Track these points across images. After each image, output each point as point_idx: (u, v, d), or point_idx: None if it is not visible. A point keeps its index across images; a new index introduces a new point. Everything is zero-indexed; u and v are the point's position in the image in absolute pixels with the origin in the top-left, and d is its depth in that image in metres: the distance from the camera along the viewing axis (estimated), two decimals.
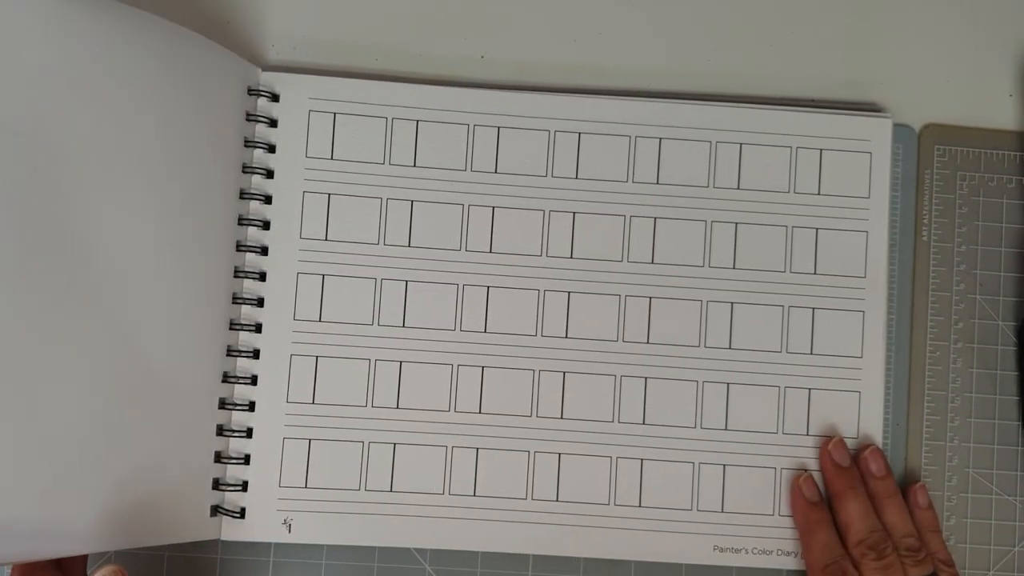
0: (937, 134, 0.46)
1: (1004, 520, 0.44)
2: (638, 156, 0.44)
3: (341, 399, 0.42)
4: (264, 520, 0.41)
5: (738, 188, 0.44)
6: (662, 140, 0.44)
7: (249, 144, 0.42)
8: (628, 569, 0.43)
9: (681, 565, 0.43)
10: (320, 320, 0.42)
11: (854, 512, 0.41)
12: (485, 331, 0.43)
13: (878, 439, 0.43)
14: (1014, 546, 0.44)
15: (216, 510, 0.41)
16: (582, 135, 0.44)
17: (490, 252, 0.43)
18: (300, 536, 0.42)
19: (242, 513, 0.41)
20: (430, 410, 0.43)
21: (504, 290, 0.43)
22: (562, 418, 0.43)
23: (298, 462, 0.42)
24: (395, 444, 0.42)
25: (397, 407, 0.42)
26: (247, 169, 0.42)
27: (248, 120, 0.43)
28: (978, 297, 0.45)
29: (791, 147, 0.44)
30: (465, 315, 0.43)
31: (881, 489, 0.42)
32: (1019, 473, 0.44)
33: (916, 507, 0.42)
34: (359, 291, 0.43)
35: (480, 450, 0.42)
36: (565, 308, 0.43)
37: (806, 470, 0.43)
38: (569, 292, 0.43)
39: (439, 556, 0.43)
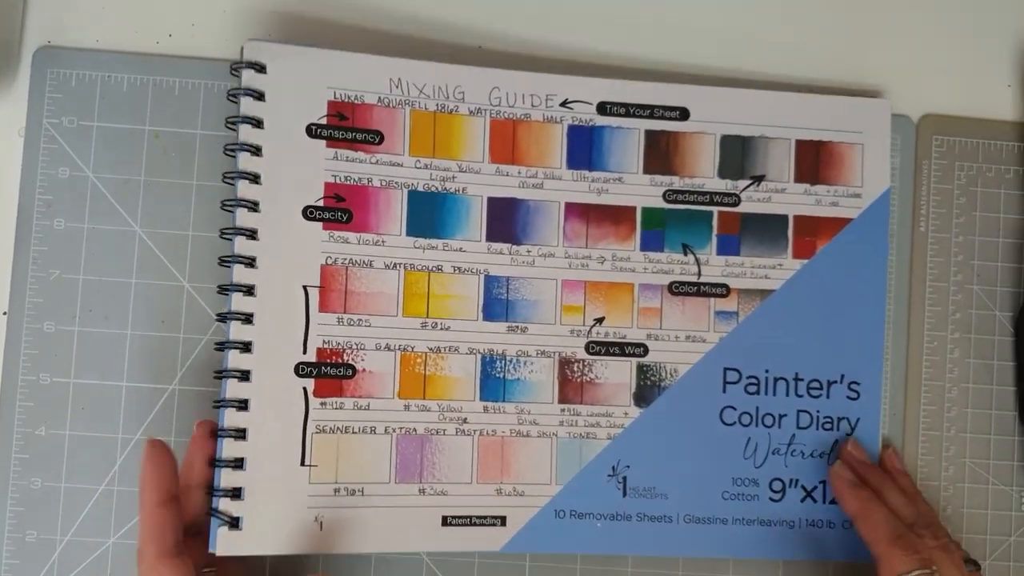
0: (935, 124, 0.46)
1: (1001, 510, 0.44)
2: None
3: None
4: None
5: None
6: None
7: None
8: (624, 563, 0.43)
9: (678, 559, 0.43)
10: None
11: (895, 501, 0.41)
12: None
13: (876, 430, 0.43)
14: (1010, 536, 0.44)
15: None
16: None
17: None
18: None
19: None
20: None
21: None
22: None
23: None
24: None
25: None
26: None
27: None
28: (975, 287, 0.45)
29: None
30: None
31: (906, 486, 0.42)
32: (1016, 463, 0.45)
33: (895, 472, 0.43)
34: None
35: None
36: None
37: (838, 458, 0.43)
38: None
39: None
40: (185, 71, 0.44)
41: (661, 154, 0.43)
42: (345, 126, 0.41)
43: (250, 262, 0.40)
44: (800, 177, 0.44)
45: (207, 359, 0.43)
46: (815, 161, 0.44)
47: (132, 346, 0.43)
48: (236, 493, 0.39)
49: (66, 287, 0.43)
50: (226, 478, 0.39)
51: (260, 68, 0.41)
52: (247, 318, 0.40)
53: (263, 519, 0.39)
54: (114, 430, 0.42)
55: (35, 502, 0.42)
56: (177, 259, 0.43)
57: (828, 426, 0.43)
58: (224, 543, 0.38)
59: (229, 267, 0.40)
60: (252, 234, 0.40)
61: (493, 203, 0.42)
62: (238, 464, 0.39)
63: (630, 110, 0.43)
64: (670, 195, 0.43)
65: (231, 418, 0.39)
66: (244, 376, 0.39)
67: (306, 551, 0.39)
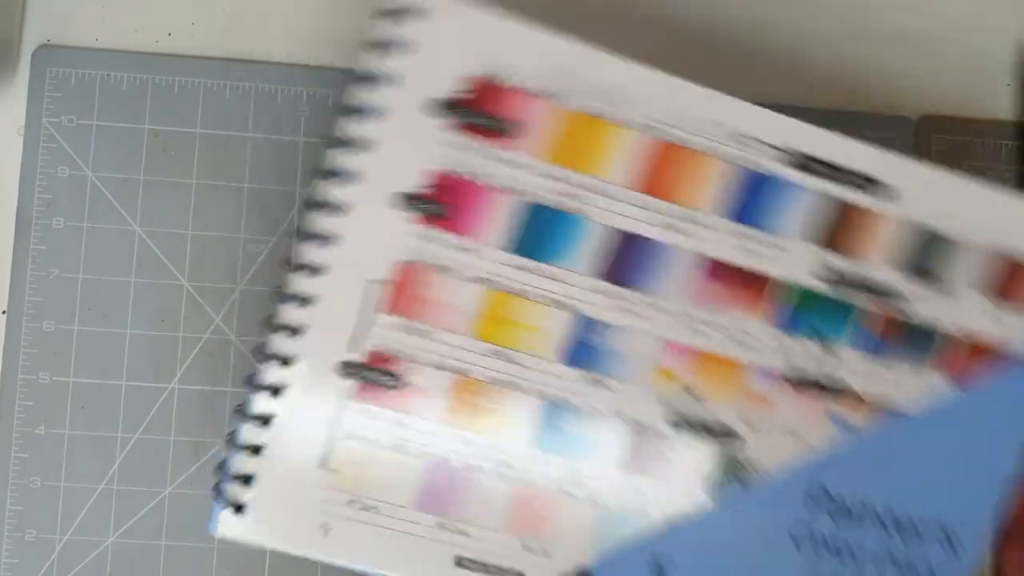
0: (935, 124, 0.46)
1: None
2: None
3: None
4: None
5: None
6: None
7: None
8: None
9: None
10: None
11: None
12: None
13: None
14: None
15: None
16: None
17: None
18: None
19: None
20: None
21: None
22: None
23: None
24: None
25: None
26: None
27: None
28: None
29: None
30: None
31: None
32: None
33: None
34: None
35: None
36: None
37: None
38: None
39: None
40: (185, 70, 0.44)
41: (832, 226, 0.37)
42: (470, 107, 0.35)
43: (325, 241, 0.35)
44: (981, 291, 0.37)
45: (207, 358, 0.43)
46: (1006, 277, 0.37)
47: (131, 345, 0.43)
48: (247, 480, 0.36)
49: (65, 286, 0.43)
50: (239, 463, 0.36)
51: (419, 13, 0.34)
52: (304, 301, 0.36)
53: (269, 511, 0.36)
54: (114, 429, 0.42)
55: (34, 501, 0.42)
56: (177, 258, 0.43)
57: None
58: (225, 524, 0.36)
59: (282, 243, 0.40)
60: (337, 210, 0.35)
61: (616, 235, 0.36)
62: (256, 450, 0.36)
63: (817, 167, 0.36)
64: (825, 274, 0.37)
65: (261, 402, 0.36)
66: (286, 362, 0.36)
67: (306, 554, 0.37)
